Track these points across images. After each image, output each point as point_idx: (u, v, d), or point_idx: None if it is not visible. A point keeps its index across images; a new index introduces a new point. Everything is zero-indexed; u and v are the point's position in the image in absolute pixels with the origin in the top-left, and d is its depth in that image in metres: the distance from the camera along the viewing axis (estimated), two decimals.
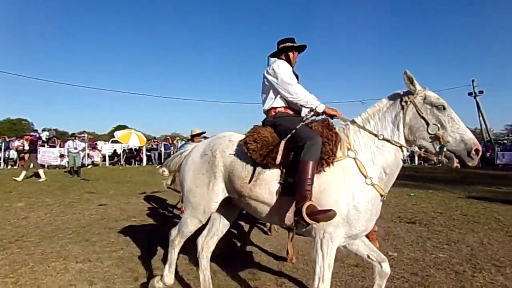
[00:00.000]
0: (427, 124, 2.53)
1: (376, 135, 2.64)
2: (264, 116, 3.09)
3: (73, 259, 4.12)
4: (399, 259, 4.23)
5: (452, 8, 78.25)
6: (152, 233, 5.37)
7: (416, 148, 2.78)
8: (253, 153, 2.67)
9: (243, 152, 2.75)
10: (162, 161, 20.37)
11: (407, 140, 2.63)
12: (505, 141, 24.24)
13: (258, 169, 2.69)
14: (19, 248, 4.54)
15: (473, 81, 24.80)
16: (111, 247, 4.60)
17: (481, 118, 24.57)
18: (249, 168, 2.73)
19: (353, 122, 2.79)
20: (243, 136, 2.88)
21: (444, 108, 2.52)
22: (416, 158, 20.52)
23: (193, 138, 6.09)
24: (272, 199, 2.63)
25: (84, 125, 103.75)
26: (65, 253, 4.32)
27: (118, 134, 19.70)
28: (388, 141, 2.61)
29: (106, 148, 22.91)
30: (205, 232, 3.33)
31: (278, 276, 3.69)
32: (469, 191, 10.01)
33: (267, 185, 2.65)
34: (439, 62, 78.78)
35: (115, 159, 21.37)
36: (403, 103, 2.65)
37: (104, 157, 21.12)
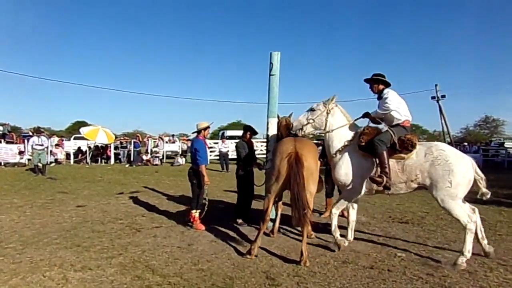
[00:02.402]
0: None
1: None
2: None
3: (70, 267, 3.75)
4: (409, 260, 4.24)
5: (419, 13, 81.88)
6: (147, 235, 5.05)
7: None
8: None
9: None
10: (132, 159, 19.62)
11: None
12: (465, 143, 25.68)
13: None
14: (1, 256, 4.07)
15: (436, 85, 26.06)
16: (108, 253, 4.25)
17: (443, 121, 25.86)
18: None
19: None
20: None
21: None
22: None
23: (200, 131, 5.80)
24: None
25: (37, 120, 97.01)
26: (58, 261, 3.93)
27: (84, 131, 18.61)
28: None
29: (69, 145, 21.64)
30: None
31: (299, 281, 3.55)
32: None
33: None
34: (406, 66, 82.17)
35: (80, 156, 20.24)
36: None
37: (67, 154, 19.92)
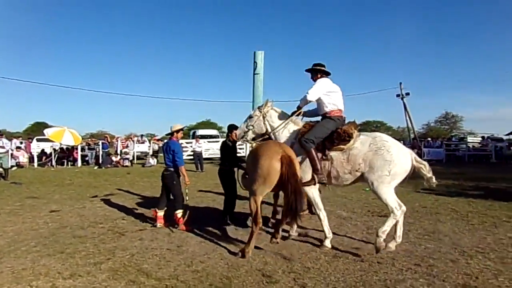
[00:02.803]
0: None
1: None
2: None
3: (57, 275, 3.59)
4: (395, 252, 4.39)
5: (386, 13, 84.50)
6: (132, 239, 4.92)
7: None
8: None
9: None
10: (101, 161, 18.95)
11: None
12: (428, 138, 26.92)
13: None
14: None
15: (400, 83, 27.14)
16: (95, 258, 4.10)
17: (407, 118, 26.98)
18: None
19: None
20: None
21: None
22: None
23: (173, 133, 5.73)
24: None
25: None
26: (43, 269, 3.75)
27: (48, 132, 17.69)
28: None
29: (31, 147, 20.55)
30: None
31: (295, 277, 3.59)
32: (414, 184, 10.87)
33: None
34: (372, 65, 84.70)
35: (44, 159, 19.28)
36: None
37: (30, 157, 18.93)
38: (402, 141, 25.19)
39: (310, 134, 4.46)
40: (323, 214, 4.65)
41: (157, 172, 16.09)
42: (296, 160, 4.27)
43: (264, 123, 4.95)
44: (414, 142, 24.11)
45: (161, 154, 22.84)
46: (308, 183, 4.42)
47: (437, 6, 76.39)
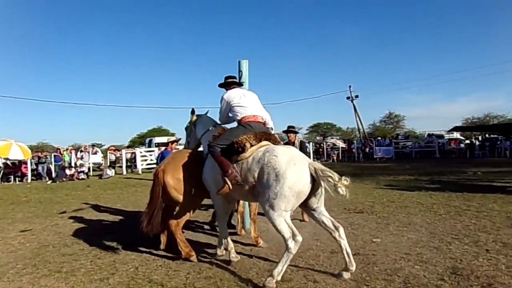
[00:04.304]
0: None
1: None
2: None
3: None
4: (384, 243, 4.79)
5: (336, 16, 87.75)
6: (126, 251, 4.82)
7: None
8: None
9: None
10: (53, 175, 17.85)
11: None
12: (378, 138, 28.70)
13: None
14: None
15: (350, 86, 28.72)
16: (98, 274, 4.00)
17: (357, 119, 28.60)
18: None
19: None
20: None
21: None
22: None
23: (168, 144, 5.82)
24: None
25: None
26: None
27: None
28: None
29: None
30: None
31: (305, 274, 3.80)
32: (376, 181, 11.66)
33: None
34: (322, 68, 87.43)
35: None
36: None
37: None
38: (353, 142, 26.53)
39: (216, 140, 4.27)
40: (222, 228, 4.55)
41: (118, 183, 15.59)
42: (172, 173, 4.41)
43: (195, 132, 4.99)
44: (365, 141, 25.57)
45: (119, 165, 22.23)
46: (222, 190, 4.11)
47: (378, 9, 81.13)
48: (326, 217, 3.86)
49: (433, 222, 5.87)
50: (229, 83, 4.71)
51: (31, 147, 21.60)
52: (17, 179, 17.86)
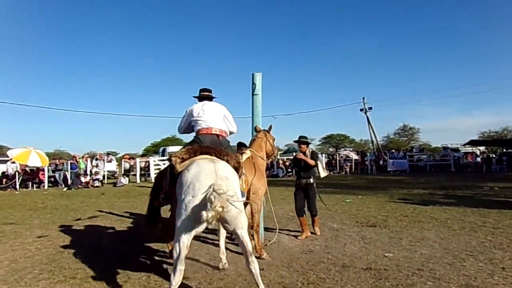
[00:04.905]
0: None
1: None
2: None
3: None
4: (396, 258, 4.74)
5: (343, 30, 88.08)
6: (138, 259, 4.91)
7: None
8: None
9: None
10: (69, 182, 18.23)
11: None
12: (392, 150, 28.39)
13: None
14: None
15: (363, 98, 28.60)
16: (111, 282, 4.07)
17: (371, 131, 28.39)
18: None
19: None
20: None
21: None
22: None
23: None
24: None
25: None
26: None
27: (13, 153, 16.83)
28: None
29: None
30: None
31: (317, 287, 3.80)
32: (389, 195, 11.54)
33: None
34: (336, 80, 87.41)
35: (4, 182, 18.21)
36: None
37: None
38: (367, 154, 26.24)
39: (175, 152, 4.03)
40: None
41: (132, 191, 15.82)
42: None
43: None
44: (379, 153, 25.32)
45: (133, 173, 22.54)
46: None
47: (390, 24, 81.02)
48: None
49: (447, 238, 5.78)
50: (200, 97, 4.74)
51: (48, 154, 22.14)
52: (34, 185, 18.31)
